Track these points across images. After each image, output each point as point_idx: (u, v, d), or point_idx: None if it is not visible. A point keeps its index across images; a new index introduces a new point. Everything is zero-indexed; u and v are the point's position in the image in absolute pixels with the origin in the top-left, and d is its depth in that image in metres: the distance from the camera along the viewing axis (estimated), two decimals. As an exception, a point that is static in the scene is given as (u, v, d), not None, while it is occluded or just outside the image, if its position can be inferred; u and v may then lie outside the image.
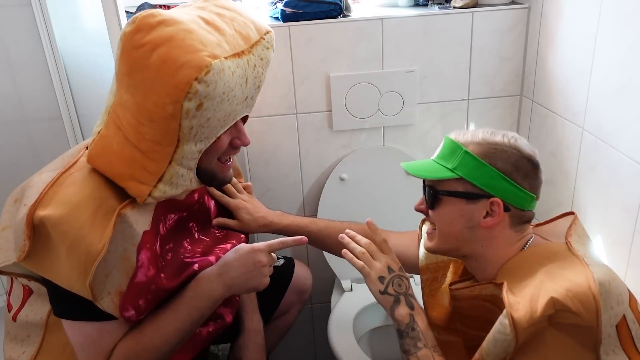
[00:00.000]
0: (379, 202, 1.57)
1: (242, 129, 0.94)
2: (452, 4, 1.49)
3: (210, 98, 0.79)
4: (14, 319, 0.98)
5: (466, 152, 0.87)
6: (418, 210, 0.97)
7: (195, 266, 0.99)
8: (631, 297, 0.79)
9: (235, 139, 0.93)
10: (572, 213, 0.93)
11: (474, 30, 1.46)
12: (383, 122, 1.54)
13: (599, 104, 1.14)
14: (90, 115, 1.62)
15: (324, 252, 1.60)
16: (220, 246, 1.08)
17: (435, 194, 0.91)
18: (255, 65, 0.88)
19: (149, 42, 0.76)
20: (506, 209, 0.87)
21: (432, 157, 0.94)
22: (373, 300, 1.53)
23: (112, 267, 0.86)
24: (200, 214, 1.11)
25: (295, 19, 1.41)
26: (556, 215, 0.96)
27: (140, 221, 0.89)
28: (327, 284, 1.71)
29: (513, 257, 0.88)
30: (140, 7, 1.67)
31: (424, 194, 0.95)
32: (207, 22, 0.84)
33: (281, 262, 1.14)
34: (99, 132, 0.88)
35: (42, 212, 0.80)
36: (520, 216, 0.88)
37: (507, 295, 0.78)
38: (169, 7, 1.72)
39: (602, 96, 1.13)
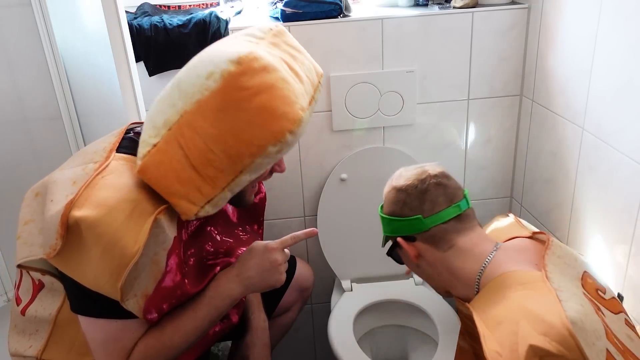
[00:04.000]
0: (379, 202, 1.57)
1: (282, 159, 0.99)
2: (452, 4, 1.49)
3: (290, 145, 0.85)
4: (23, 313, 0.98)
5: (380, 209, 1.02)
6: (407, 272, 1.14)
7: (217, 269, 1.01)
8: (607, 330, 0.78)
9: (276, 166, 1.00)
10: (508, 215, 1.02)
11: (474, 30, 1.46)
12: (383, 122, 1.54)
13: (599, 104, 1.14)
14: (90, 115, 1.62)
15: (324, 252, 1.60)
16: (243, 248, 1.10)
17: (388, 252, 1.06)
18: (314, 110, 0.94)
19: (252, 87, 0.80)
20: (411, 240, 0.96)
21: None
22: (373, 300, 1.54)
23: (142, 270, 0.87)
24: (218, 217, 1.12)
25: (295, 19, 1.41)
26: (497, 217, 1.04)
27: (171, 227, 0.91)
28: (327, 284, 1.71)
29: (486, 285, 0.86)
30: (140, 7, 1.67)
31: None
32: (290, 67, 0.89)
33: None
34: (154, 145, 0.86)
35: (77, 213, 0.81)
36: (431, 236, 0.94)
37: (481, 328, 0.78)
38: (169, 7, 1.72)
39: (602, 96, 1.13)
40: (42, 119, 1.60)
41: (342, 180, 1.56)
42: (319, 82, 0.96)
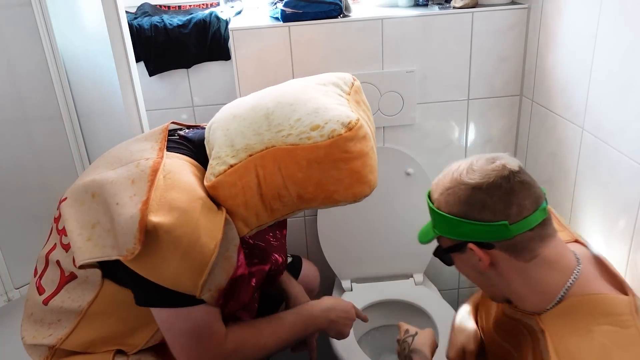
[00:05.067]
0: (379, 202, 1.57)
1: None
2: (452, 4, 1.49)
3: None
4: (46, 303, 0.98)
5: (432, 208, 0.86)
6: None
7: (253, 281, 1.03)
8: None
9: None
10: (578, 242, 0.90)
11: (474, 30, 1.46)
12: (383, 122, 1.54)
13: (599, 104, 1.15)
14: (90, 115, 1.62)
15: (324, 252, 1.60)
16: (275, 255, 1.15)
17: (439, 254, 0.91)
18: None
19: (353, 152, 0.88)
20: (488, 247, 0.81)
21: None
22: (373, 300, 1.54)
23: (216, 265, 0.89)
24: None
25: (295, 19, 1.41)
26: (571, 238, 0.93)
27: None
28: (327, 284, 1.71)
29: (565, 302, 0.80)
30: (140, 7, 1.67)
31: None
32: (372, 132, 0.96)
33: (289, 259, 1.17)
34: (231, 165, 0.90)
35: (155, 219, 0.82)
36: (513, 245, 0.80)
37: (553, 355, 0.74)
38: (169, 7, 1.72)
39: (602, 96, 1.13)
40: (42, 119, 1.60)
41: (342, 180, 1.55)
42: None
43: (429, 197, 0.89)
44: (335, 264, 1.62)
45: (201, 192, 0.89)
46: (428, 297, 1.54)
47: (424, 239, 0.91)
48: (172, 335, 0.94)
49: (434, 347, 1.11)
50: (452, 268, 0.91)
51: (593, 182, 1.20)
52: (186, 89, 1.64)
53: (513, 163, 0.81)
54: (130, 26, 1.50)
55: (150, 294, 0.90)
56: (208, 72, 1.66)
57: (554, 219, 0.92)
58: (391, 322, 1.59)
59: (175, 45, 1.56)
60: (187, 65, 1.62)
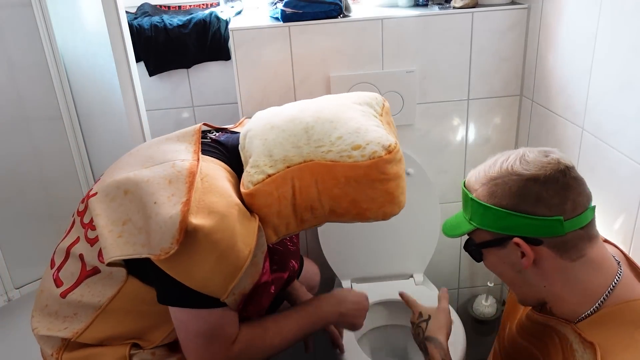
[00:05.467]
0: (379, 202, 1.57)
1: None
2: (452, 4, 1.49)
3: None
4: (64, 296, 0.98)
5: (472, 199, 0.80)
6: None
7: (272, 288, 1.05)
8: None
9: None
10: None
11: (474, 30, 1.46)
12: (383, 122, 1.54)
13: (599, 104, 1.15)
14: (90, 115, 1.63)
15: (324, 252, 1.60)
16: (293, 262, 1.18)
17: (470, 249, 0.85)
18: None
19: (390, 174, 0.92)
20: (536, 243, 0.76)
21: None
22: (373, 300, 1.54)
23: (245, 272, 0.90)
24: None
25: (295, 19, 1.41)
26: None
27: None
28: (327, 284, 1.71)
29: (605, 309, 0.76)
30: (140, 7, 1.68)
31: None
32: (402, 155, 0.98)
33: None
34: (269, 175, 0.92)
35: (195, 221, 0.83)
36: (562, 243, 0.75)
37: None
38: (169, 7, 1.72)
39: (602, 96, 1.13)
40: (42, 119, 1.60)
41: (342, 180, 1.56)
42: None
43: (466, 187, 0.83)
44: (335, 264, 1.62)
45: (236, 198, 0.91)
46: (428, 297, 1.54)
47: (454, 232, 0.85)
48: (186, 335, 0.95)
49: (449, 327, 1.07)
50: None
51: (593, 182, 1.20)
52: (186, 89, 1.64)
53: (566, 159, 0.77)
54: (130, 26, 1.50)
55: (174, 293, 0.91)
56: (208, 72, 1.66)
57: None
58: (391, 322, 1.59)
59: (175, 45, 1.56)
60: (187, 65, 1.62)
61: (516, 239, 0.76)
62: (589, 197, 0.78)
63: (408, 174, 1.55)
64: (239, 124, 1.21)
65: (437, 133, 1.58)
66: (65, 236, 1.06)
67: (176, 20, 1.58)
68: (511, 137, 1.61)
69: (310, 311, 1.11)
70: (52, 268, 1.04)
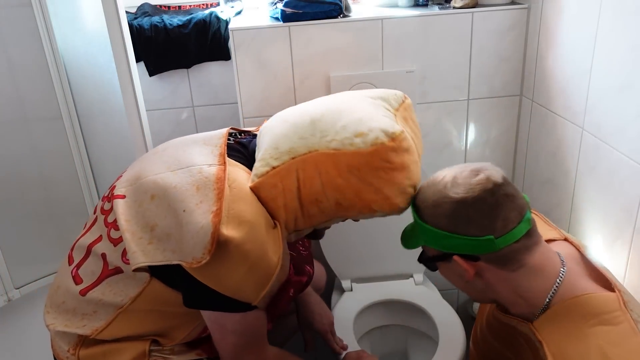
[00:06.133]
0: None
1: None
2: (452, 4, 1.49)
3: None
4: (84, 294, 0.97)
5: (416, 219, 0.87)
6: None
7: (291, 291, 1.05)
8: None
9: None
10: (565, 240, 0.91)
11: (474, 30, 1.46)
12: (383, 122, 1.54)
13: (599, 104, 1.15)
14: (90, 115, 1.62)
15: (324, 252, 1.60)
16: (307, 267, 1.18)
17: (423, 261, 0.92)
18: None
19: (394, 163, 0.88)
20: (474, 259, 0.81)
21: None
22: (373, 300, 1.54)
23: (276, 277, 0.91)
24: None
25: (295, 19, 1.41)
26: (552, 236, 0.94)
27: None
28: (328, 283, 1.71)
29: (555, 307, 0.80)
30: (141, 8, 1.68)
31: None
32: (417, 145, 0.95)
33: None
34: (273, 167, 0.90)
35: (227, 232, 0.83)
36: (499, 257, 0.80)
37: None
38: (169, 7, 1.72)
39: (602, 96, 1.13)
40: (42, 119, 1.60)
41: (342, 180, 1.55)
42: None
43: (414, 207, 0.89)
44: (335, 264, 1.62)
45: (260, 206, 0.91)
46: (428, 297, 1.54)
47: (408, 246, 0.93)
48: (222, 335, 0.96)
49: None
50: None
51: (593, 182, 1.20)
52: (186, 89, 1.64)
53: (497, 175, 0.81)
54: (130, 26, 1.50)
55: (204, 298, 0.91)
56: (208, 72, 1.66)
57: (540, 220, 0.93)
58: (391, 322, 1.59)
59: (175, 45, 1.56)
60: (187, 65, 1.62)
61: (455, 257, 0.82)
62: (521, 210, 0.80)
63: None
64: (260, 126, 1.22)
65: (437, 133, 1.58)
66: (85, 232, 1.04)
67: (176, 20, 1.58)
68: (511, 137, 1.61)
69: None
70: (70, 264, 1.02)
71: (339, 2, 1.42)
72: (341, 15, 1.44)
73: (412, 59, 1.48)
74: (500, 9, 1.44)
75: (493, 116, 1.57)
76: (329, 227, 1.05)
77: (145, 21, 1.56)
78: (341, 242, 1.60)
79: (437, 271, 0.93)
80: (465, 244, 0.80)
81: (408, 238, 0.93)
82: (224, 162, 0.94)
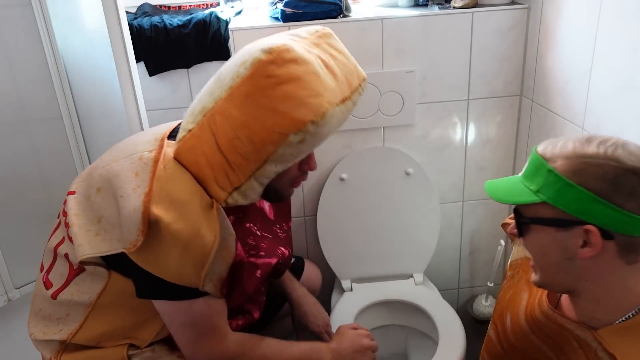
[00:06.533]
0: (379, 202, 1.57)
1: (312, 156, 1.00)
2: (452, 4, 1.49)
3: (313, 137, 0.85)
4: (54, 297, 0.99)
5: (550, 170, 0.71)
6: (511, 234, 0.83)
7: (258, 273, 1.04)
8: None
9: (304, 164, 0.99)
10: None
11: (474, 30, 1.46)
12: (383, 122, 1.54)
13: (599, 104, 1.15)
14: (90, 116, 1.62)
15: (324, 252, 1.60)
16: (282, 247, 1.15)
17: (520, 220, 0.77)
18: (349, 109, 0.94)
19: (279, 76, 0.82)
20: (608, 237, 0.69)
21: (520, 174, 0.80)
22: (373, 300, 1.54)
23: (216, 256, 0.90)
24: (256, 215, 1.15)
25: (295, 19, 1.41)
26: None
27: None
28: (327, 284, 1.71)
29: (637, 315, 0.72)
30: (140, 7, 1.67)
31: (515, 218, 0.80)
32: (326, 65, 0.90)
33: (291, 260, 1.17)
34: (189, 130, 0.91)
35: (156, 211, 0.83)
36: (630, 244, 0.70)
37: None
38: (169, 7, 1.72)
39: (602, 96, 1.13)
40: (42, 120, 1.60)
41: (342, 180, 1.56)
42: (359, 85, 0.98)
43: (541, 154, 0.74)
44: (335, 264, 1.62)
45: (197, 186, 0.90)
46: (428, 297, 1.54)
47: (511, 198, 0.76)
48: (175, 328, 0.95)
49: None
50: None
51: (593, 182, 1.20)
52: (186, 89, 1.64)
53: None
54: (130, 26, 1.49)
55: (152, 287, 0.91)
56: (208, 72, 1.65)
57: None
58: (391, 322, 1.59)
59: (175, 45, 1.56)
60: (187, 65, 1.62)
61: (591, 227, 0.69)
62: None
63: (408, 174, 1.55)
64: None
65: (437, 133, 1.58)
66: (51, 236, 1.06)
67: (176, 20, 1.58)
68: (511, 137, 1.61)
69: (307, 350, 1.10)
70: (41, 271, 1.04)
71: (339, 2, 1.42)
72: (341, 15, 1.44)
73: (412, 59, 1.48)
74: (500, 9, 1.44)
75: (493, 116, 1.57)
76: (288, 189, 1.03)
77: (145, 21, 1.56)
78: (341, 242, 1.60)
79: (517, 240, 0.80)
80: (614, 217, 0.68)
81: (510, 190, 0.78)
82: (162, 145, 0.94)
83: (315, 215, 1.60)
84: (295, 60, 0.84)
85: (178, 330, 0.96)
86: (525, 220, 0.76)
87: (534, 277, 0.82)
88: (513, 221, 0.80)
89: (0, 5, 1.47)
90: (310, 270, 1.41)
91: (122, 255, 0.87)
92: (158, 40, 1.55)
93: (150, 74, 1.61)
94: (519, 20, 1.45)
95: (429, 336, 1.51)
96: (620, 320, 0.73)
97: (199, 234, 0.86)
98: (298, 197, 1.63)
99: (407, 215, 1.59)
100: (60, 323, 1.00)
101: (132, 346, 1.01)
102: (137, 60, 1.43)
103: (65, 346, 1.00)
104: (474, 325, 1.82)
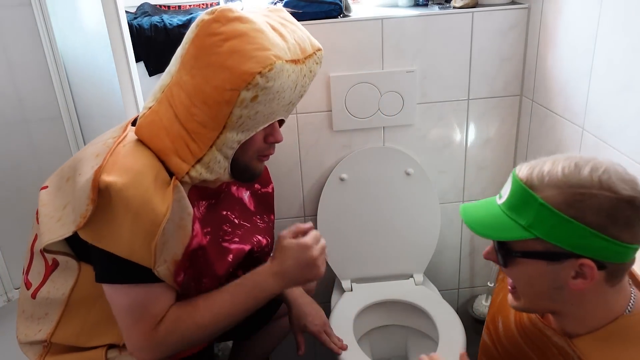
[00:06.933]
0: (379, 202, 1.57)
1: (276, 127, 1.00)
2: (452, 4, 1.49)
3: (265, 93, 0.85)
4: (34, 296, 0.99)
5: (542, 204, 0.67)
6: (487, 259, 0.78)
7: (230, 257, 1.02)
8: None
9: (269, 136, 0.98)
10: None
11: (474, 30, 1.46)
12: (383, 122, 1.54)
13: (599, 104, 1.14)
14: (90, 116, 1.62)
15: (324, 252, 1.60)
16: (259, 236, 1.13)
17: (506, 253, 0.73)
18: (305, 75, 0.96)
19: (223, 33, 0.83)
20: (601, 267, 0.67)
21: (500, 201, 0.74)
22: (373, 300, 1.54)
23: (170, 235, 0.89)
24: (234, 203, 1.14)
25: (295, 18, 1.41)
26: None
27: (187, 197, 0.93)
28: (327, 284, 1.71)
29: (609, 324, 0.72)
30: (140, 7, 1.67)
31: (494, 247, 0.75)
32: (274, 28, 0.91)
33: None
34: (149, 108, 0.92)
35: (107, 178, 0.83)
36: (618, 270, 0.69)
37: None
38: (168, 7, 1.72)
39: (602, 96, 1.13)
40: (42, 119, 1.60)
41: (342, 180, 1.56)
42: (314, 53, 0.98)
43: (527, 185, 0.70)
44: (335, 264, 1.62)
45: (157, 162, 0.90)
46: (428, 297, 1.54)
47: (497, 234, 0.71)
48: (116, 313, 0.93)
49: None
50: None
51: (593, 182, 1.20)
52: (186, 89, 1.64)
53: None
54: (130, 26, 1.49)
55: (106, 269, 0.90)
56: (208, 72, 1.65)
57: None
58: (391, 322, 1.59)
59: (176, 45, 1.56)
60: (187, 65, 1.62)
61: (586, 261, 0.66)
62: None
63: (408, 174, 1.55)
64: None
65: (437, 133, 1.58)
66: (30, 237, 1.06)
67: (176, 20, 1.58)
68: (511, 137, 1.61)
69: (248, 285, 0.98)
70: (23, 273, 1.04)
71: (339, 2, 1.42)
72: (341, 15, 1.44)
73: (412, 59, 1.48)
74: (500, 9, 1.44)
75: (493, 116, 1.57)
76: (256, 163, 1.01)
77: (145, 21, 1.56)
78: (341, 242, 1.60)
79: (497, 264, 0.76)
80: (610, 250, 0.66)
81: (495, 224, 0.72)
82: (126, 129, 0.96)
83: (315, 215, 1.60)
84: (239, 19, 0.85)
85: (118, 315, 0.93)
86: (514, 254, 0.72)
87: (514, 302, 0.78)
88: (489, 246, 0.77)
89: (0, 5, 1.47)
90: None
91: (86, 244, 0.87)
92: (158, 40, 1.55)
93: (150, 74, 1.61)
94: (519, 20, 1.45)
95: (429, 336, 1.50)
96: (590, 330, 0.74)
97: (151, 202, 0.84)
98: (298, 197, 1.63)
99: (407, 215, 1.59)
100: (40, 323, 1.00)
101: (111, 348, 1.00)
102: (137, 60, 1.43)
103: (48, 349, 1.00)
104: (474, 326, 1.82)
